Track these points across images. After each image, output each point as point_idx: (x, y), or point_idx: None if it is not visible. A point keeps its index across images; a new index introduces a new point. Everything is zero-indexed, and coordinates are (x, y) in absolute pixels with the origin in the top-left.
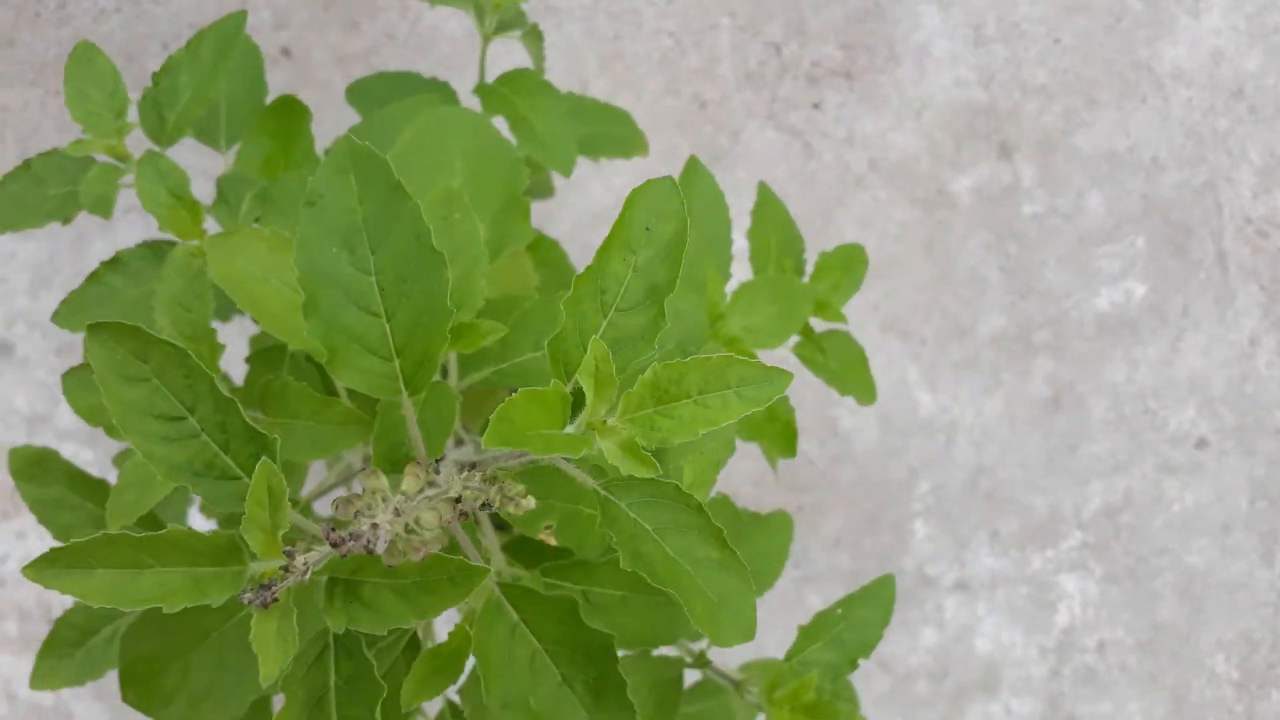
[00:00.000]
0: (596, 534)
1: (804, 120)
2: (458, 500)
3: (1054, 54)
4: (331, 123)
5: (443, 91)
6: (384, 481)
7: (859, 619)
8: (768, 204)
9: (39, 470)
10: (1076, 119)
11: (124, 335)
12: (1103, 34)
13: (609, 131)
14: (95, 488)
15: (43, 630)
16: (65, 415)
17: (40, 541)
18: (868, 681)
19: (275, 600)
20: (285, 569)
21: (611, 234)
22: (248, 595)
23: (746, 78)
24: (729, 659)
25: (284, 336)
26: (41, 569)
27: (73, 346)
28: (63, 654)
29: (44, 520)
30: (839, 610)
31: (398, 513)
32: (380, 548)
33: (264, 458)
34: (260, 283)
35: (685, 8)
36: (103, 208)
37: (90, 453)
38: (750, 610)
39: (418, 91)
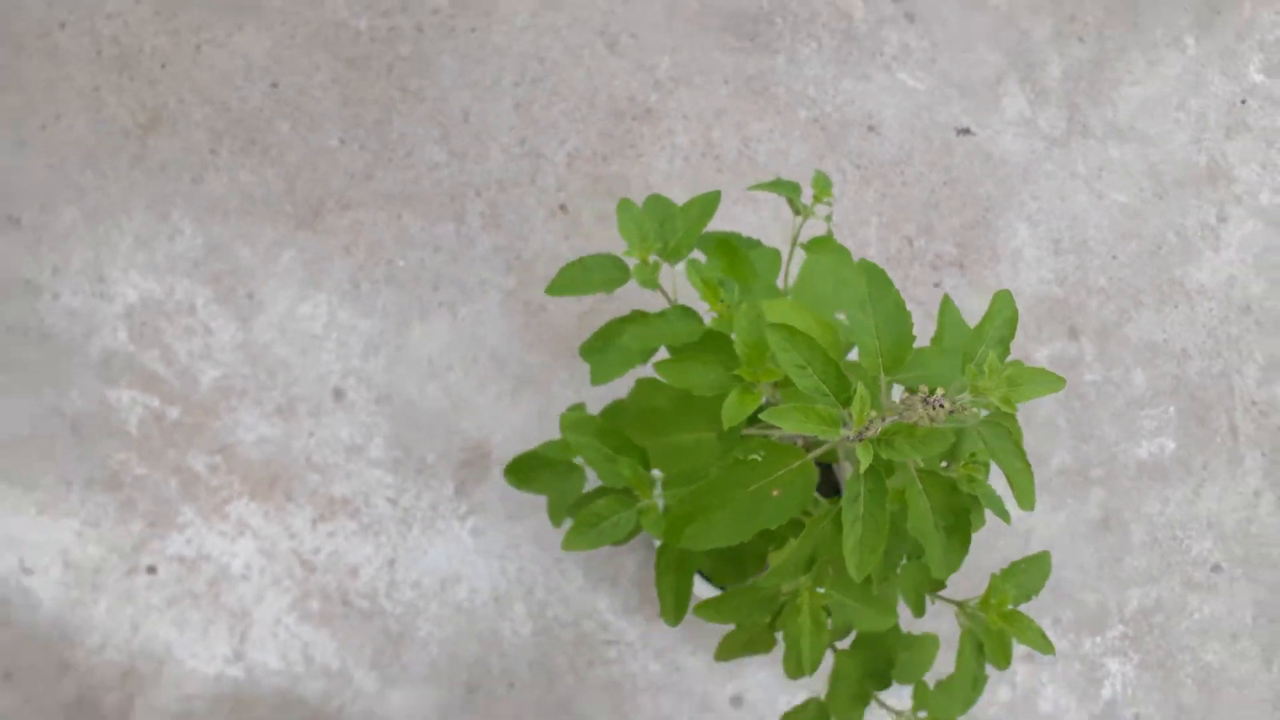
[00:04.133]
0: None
1: (926, 294)
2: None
3: (1112, 266)
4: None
5: (764, 248)
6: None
7: (1028, 574)
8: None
9: (581, 424)
10: (1126, 315)
11: (783, 329)
12: (1148, 256)
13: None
14: (610, 436)
15: (337, 609)
16: (376, 448)
17: (345, 540)
18: None
19: (865, 438)
20: (869, 424)
21: (984, 318)
22: (850, 436)
23: (887, 260)
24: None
25: None
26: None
27: (389, 397)
28: (584, 531)
29: (589, 460)
30: (1021, 565)
31: (940, 403)
32: (944, 410)
33: (858, 383)
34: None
35: (846, 208)
36: (651, 285)
37: (391, 477)
38: (1030, 484)
39: (748, 246)
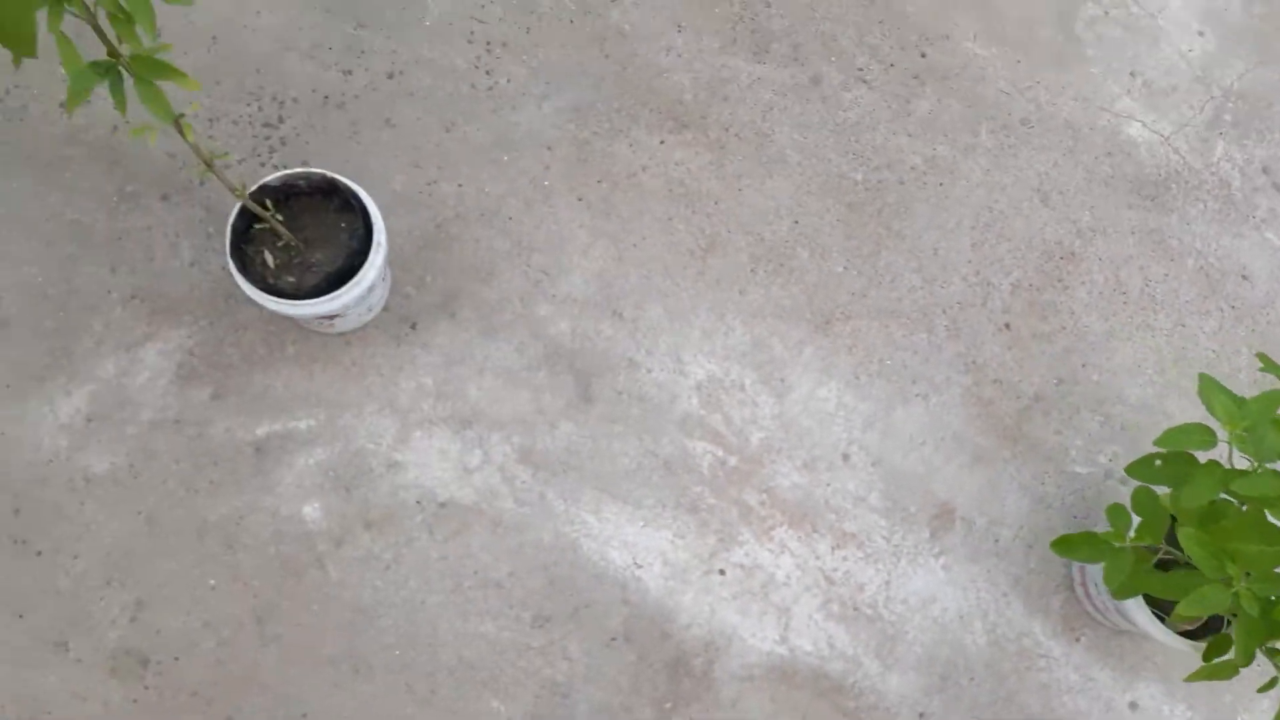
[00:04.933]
0: None
1: None
2: None
3: None
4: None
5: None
6: None
7: None
8: None
9: (1195, 538)
10: None
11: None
12: None
13: None
14: (1211, 544)
15: (850, 613)
16: (874, 498)
17: (854, 564)
18: (1219, 698)
19: None
20: None
21: None
22: None
23: (1254, 382)
24: None
25: None
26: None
27: (881, 461)
28: (1195, 604)
29: (1198, 559)
30: None
31: None
32: None
33: None
34: None
35: (1224, 340)
36: (1246, 451)
37: (884, 521)
38: None
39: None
